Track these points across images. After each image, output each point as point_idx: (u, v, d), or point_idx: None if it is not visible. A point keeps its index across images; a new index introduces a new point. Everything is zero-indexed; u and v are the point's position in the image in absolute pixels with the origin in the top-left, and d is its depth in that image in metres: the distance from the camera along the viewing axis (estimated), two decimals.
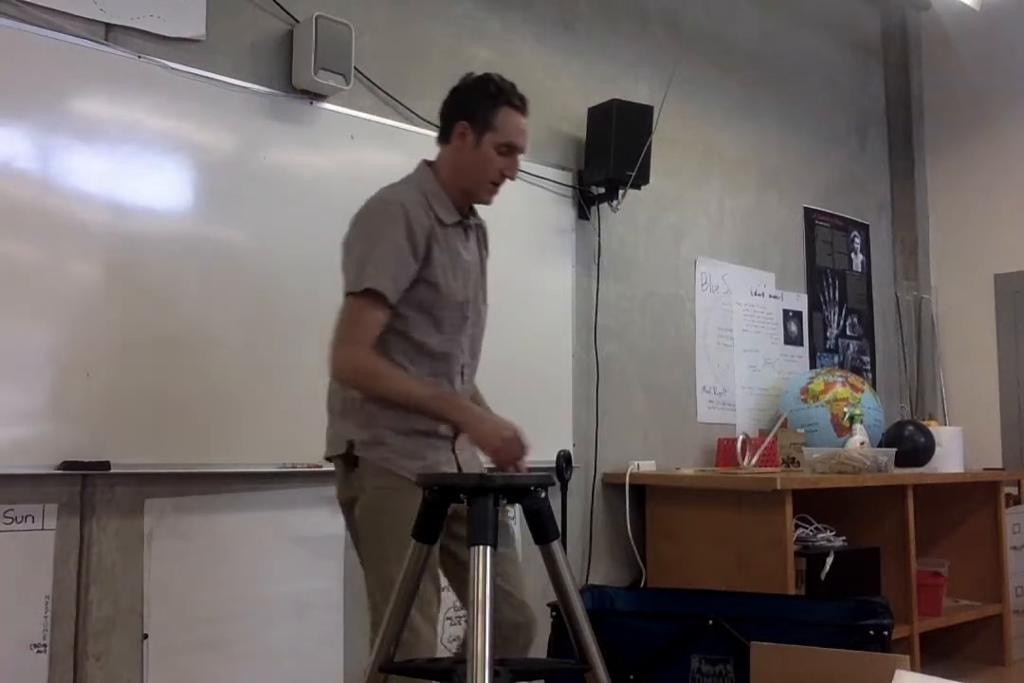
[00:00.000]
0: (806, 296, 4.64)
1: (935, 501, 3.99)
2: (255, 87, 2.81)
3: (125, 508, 2.52)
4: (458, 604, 3.08)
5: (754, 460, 3.81)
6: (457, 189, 2.12)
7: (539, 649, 2.29)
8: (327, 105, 2.95)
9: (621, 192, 3.63)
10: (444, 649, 2.99)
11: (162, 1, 2.64)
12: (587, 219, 3.69)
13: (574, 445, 3.50)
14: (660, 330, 3.94)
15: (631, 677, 2.75)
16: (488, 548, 1.58)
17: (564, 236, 3.60)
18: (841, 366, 4.72)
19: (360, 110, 3.04)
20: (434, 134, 3.18)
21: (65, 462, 2.37)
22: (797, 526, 3.43)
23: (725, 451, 3.93)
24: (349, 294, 2.00)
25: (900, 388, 5.12)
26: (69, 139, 2.45)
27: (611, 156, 3.51)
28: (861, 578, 3.42)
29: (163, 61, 2.62)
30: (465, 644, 1.56)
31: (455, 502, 1.70)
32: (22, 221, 2.37)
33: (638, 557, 3.60)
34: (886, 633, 2.63)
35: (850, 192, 4.98)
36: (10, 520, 2.32)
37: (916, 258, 5.16)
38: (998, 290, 4.92)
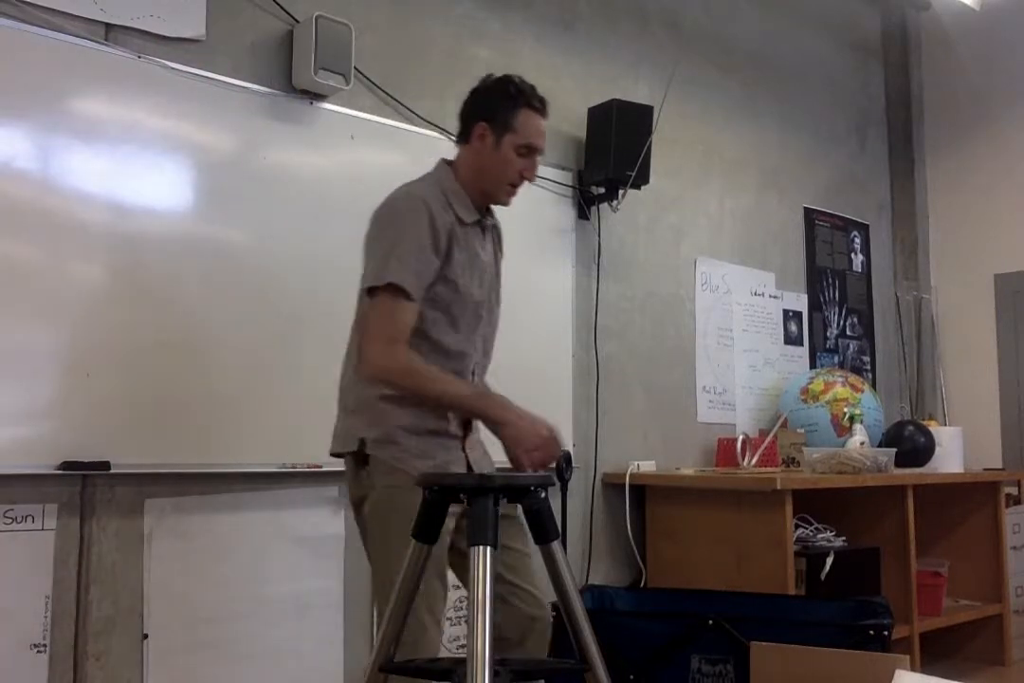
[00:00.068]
0: (806, 296, 4.64)
1: (935, 501, 3.99)
2: (255, 87, 2.81)
3: (125, 508, 2.52)
4: (458, 604, 3.08)
5: (754, 460, 3.81)
6: (475, 189, 2.12)
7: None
8: (327, 105, 2.95)
9: (621, 192, 3.63)
10: (444, 649, 2.99)
11: (162, 1, 2.64)
12: (587, 219, 3.69)
13: (574, 445, 3.50)
14: (660, 330, 3.94)
15: (631, 677, 2.75)
16: (488, 548, 1.58)
17: (564, 236, 3.60)
18: (841, 366, 4.72)
19: (360, 110, 3.04)
20: (434, 134, 3.23)
21: (65, 462, 2.37)
22: (797, 526, 3.43)
23: (725, 451, 3.93)
24: (371, 289, 1.98)
25: (900, 388, 5.12)
26: (69, 139, 2.45)
27: (611, 156, 3.51)
28: (861, 578, 3.42)
29: (163, 61, 2.62)
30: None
31: (455, 502, 1.70)
32: (22, 221, 2.37)
33: (638, 557, 3.60)
34: (886, 633, 2.63)
35: (850, 192, 4.98)
36: (10, 520, 2.32)
37: (916, 258, 5.16)
38: (998, 290, 4.92)
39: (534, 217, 3.44)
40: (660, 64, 4.00)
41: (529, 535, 1.84)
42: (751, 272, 4.35)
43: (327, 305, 2.88)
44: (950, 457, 4.08)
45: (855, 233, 4.96)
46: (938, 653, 3.93)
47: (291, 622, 2.76)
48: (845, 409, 3.91)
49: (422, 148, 3.17)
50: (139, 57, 2.58)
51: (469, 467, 2.06)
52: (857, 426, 3.79)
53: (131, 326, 2.51)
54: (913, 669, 2.48)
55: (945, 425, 4.75)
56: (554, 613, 2.63)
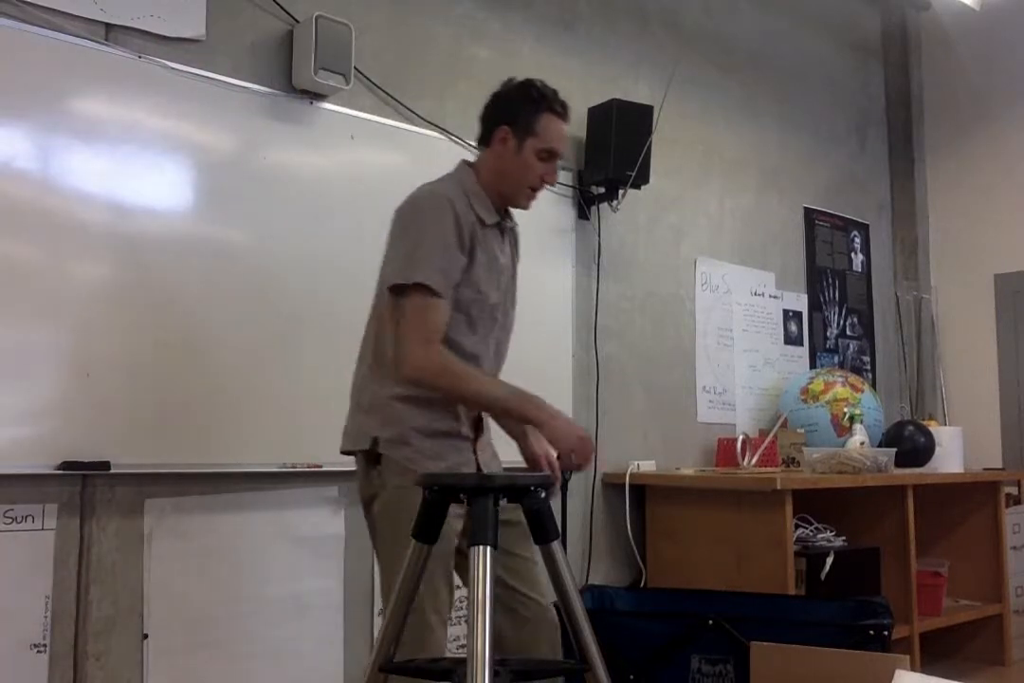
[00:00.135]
0: (806, 296, 4.64)
1: (935, 501, 3.99)
2: (255, 87, 2.81)
3: (125, 508, 2.52)
4: (458, 604, 3.08)
5: (754, 460, 3.81)
6: (495, 192, 2.13)
7: None
8: (327, 105, 2.95)
9: (621, 192, 3.63)
10: (447, 651, 2.99)
11: (162, 1, 2.64)
12: (587, 219, 3.69)
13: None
14: (660, 330, 3.94)
15: (631, 677, 2.75)
16: (488, 548, 1.58)
17: (564, 236, 3.60)
18: (841, 366, 4.72)
19: (360, 110, 3.04)
20: (434, 134, 3.23)
21: (65, 462, 2.37)
22: (797, 526, 3.43)
23: (725, 451, 3.93)
24: (398, 287, 1.98)
25: (900, 388, 5.12)
26: (69, 139, 2.45)
27: (611, 156, 3.51)
28: (861, 578, 3.42)
29: (163, 61, 2.62)
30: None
31: (455, 502, 1.70)
32: (22, 221, 2.37)
33: (638, 557, 3.60)
34: (886, 633, 2.63)
35: (850, 192, 4.98)
36: (10, 520, 2.33)
37: (916, 258, 5.16)
38: (998, 290, 4.92)
39: (534, 217, 3.40)
40: (660, 64, 4.00)
41: (530, 534, 1.84)
42: (751, 272, 4.35)
43: (327, 305, 2.88)
44: (950, 457, 4.08)
45: (855, 233, 4.96)
46: (938, 653, 3.93)
47: (291, 622, 2.76)
48: (845, 409, 3.91)
49: (422, 148, 3.18)
50: (139, 57, 2.58)
51: (479, 469, 2.07)
52: (857, 426, 3.79)
53: (131, 326, 2.51)
54: (913, 669, 2.48)
55: (945, 425, 4.75)
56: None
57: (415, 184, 3.10)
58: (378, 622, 2.91)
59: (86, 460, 2.40)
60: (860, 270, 4.97)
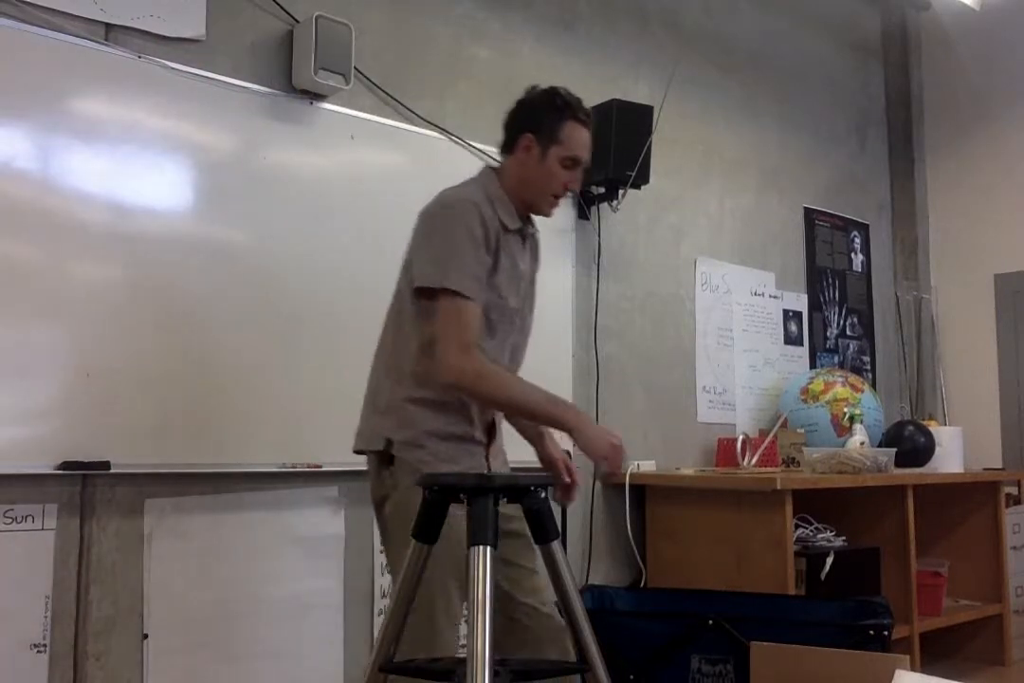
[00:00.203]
0: (806, 296, 4.64)
1: (935, 501, 3.99)
2: (255, 87, 2.81)
3: (125, 508, 2.52)
4: None
5: (754, 460, 3.81)
6: (518, 198, 2.13)
7: None
8: (327, 105, 2.95)
9: (621, 192, 3.63)
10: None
11: (162, 1, 2.64)
12: (587, 219, 3.69)
13: (574, 445, 3.49)
14: (660, 330, 3.94)
15: (631, 677, 2.75)
16: (488, 548, 1.58)
17: (564, 236, 3.60)
18: (841, 366, 4.72)
19: (360, 110, 3.04)
20: (434, 134, 3.23)
21: (65, 462, 2.37)
22: (797, 526, 3.43)
23: (725, 451, 3.93)
24: (425, 291, 1.98)
25: (900, 388, 5.12)
26: (69, 139, 2.45)
27: (611, 156, 3.51)
28: (861, 578, 3.42)
29: (163, 61, 2.62)
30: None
31: (455, 502, 1.70)
32: (22, 221, 2.37)
33: (638, 557, 3.60)
34: (886, 633, 2.63)
35: (850, 192, 4.98)
36: (10, 520, 2.33)
37: (916, 258, 5.16)
38: (998, 290, 4.92)
39: (534, 217, 3.43)
40: (660, 64, 4.00)
41: (537, 552, 1.85)
42: (751, 272, 4.35)
43: (327, 305, 2.88)
44: (950, 457, 4.08)
45: (855, 233, 4.96)
46: (938, 653, 3.93)
47: (291, 622, 2.76)
48: (845, 409, 3.91)
49: (422, 148, 3.18)
50: (139, 57, 2.58)
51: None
52: (857, 426, 3.79)
53: (131, 326, 2.51)
54: (913, 669, 2.48)
55: (945, 425, 4.75)
56: None
57: (415, 184, 3.12)
58: (379, 622, 2.91)
59: (86, 460, 2.40)
60: (860, 270, 4.97)
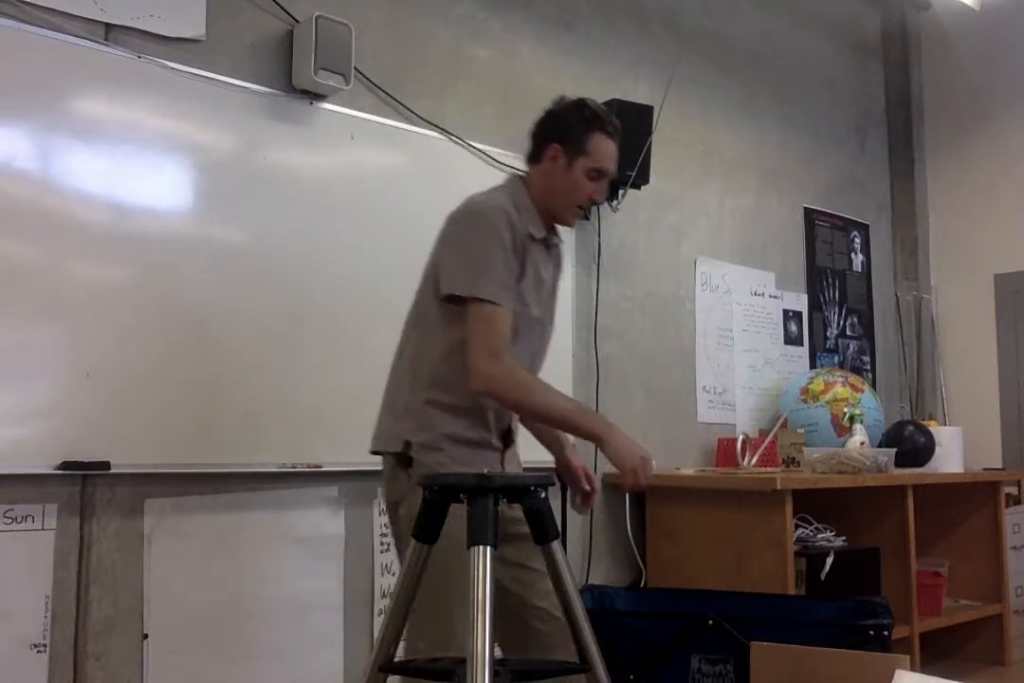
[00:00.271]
0: (806, 296, 4.64)
1: (935, 501, 3.99)
2: (255, 87, 2.81)
3: (125, 508, 2.52)
4: None
5: (754, 460, 3.81)
6: (543, 208, 2.14)
7: None
8: (327, 105, 2.95)
9: (621, 192, 3.63)
10: None
11: (162, 1, 2.64)
12: (587, 219, 3.67)
13: (574, 445, 3.50)
14: (660, 330, 3.94)
15: (631, 677, 2.75)
16: (488, 548, 1.58)
17: (564, 236, 3.59)
18: (841, 366, 4.72)
19: (360, 110, 3.04)
20: (434, 134, 3.23)
21: (65, 462, 2.37)
22: (797, 526, 3.43)
23: (725, 451, 3.93)
24: (452, 296, 1.98)
25: (900, 388, 5.12)
26: (69, 139, 2.45)
27: None
28: (861, 578, 3.42)
29: (163, 61, 2.62)
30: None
31: (455, 502, 1.70)
32: (22, 221, 2.37)
33: (638, 557, 3.60)
34: (886, 633, 2.63)
35: (850, 192, 4.98)
36: (10, 520, 2.32)
37: (916, 258, 5.16)
38: (998, 290, 4.92)
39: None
40: (660, 64, 4.00)
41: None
42: (751, 272, 4.35)
43: (327, 305, 2.89)
44: (950, 457, 4.08)
45: (855, 233, 4.96)
46: (938, 653, 3.93)
47: (291, 622, 2.76)
48: (845, 409, 3.91)
49: (422, 148, 3.18)
50: (139, 57, 2.58)
51: None
52: (857, 426, 3.79)
53: (131, 326, 2.51)
54: (913, 669, 2.48)
55: (945, 425, 4.75)
56: None
57: (415, 184, 3.13)
58: (379, 622, 2.91)
59: (86, 460, 2.40)
60: (860, 270, 4.97)
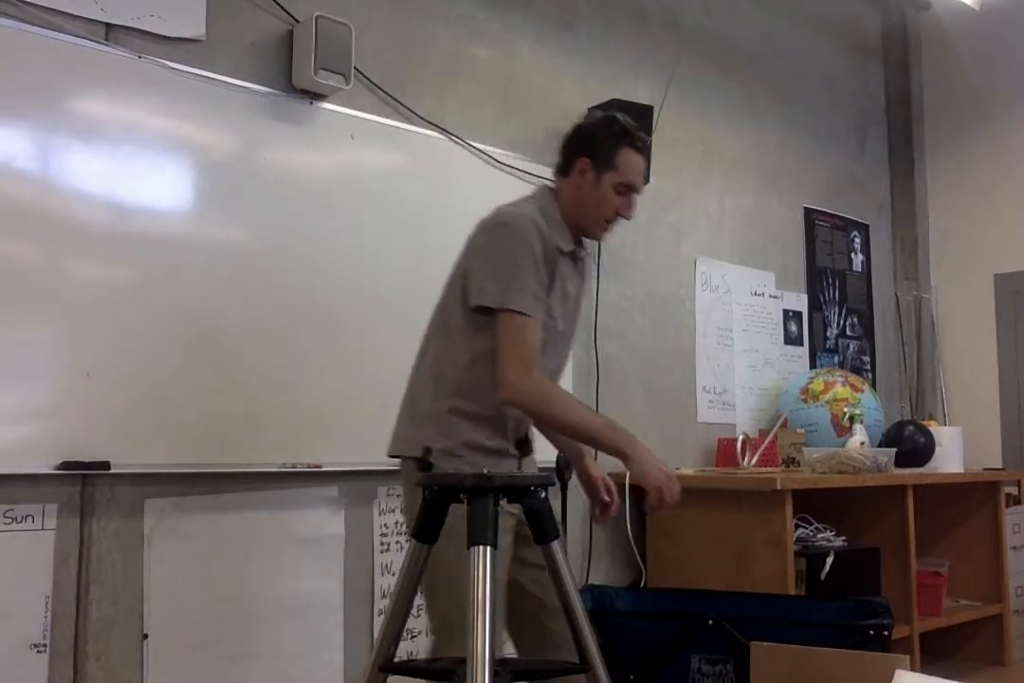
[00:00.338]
0: (806, 296, 4.64)
1: (935, 501, 3.99)
2: (255, 87, 2.81)
3: (125, 508, 2.51)
4: None
5: (754, 460, 3.81)
6: (572, 222, 2.14)
7: None
8: (327, 105, 2.95)
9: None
10: None
11: (162, 1, 2.64)
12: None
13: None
14: (660, 330, 3.94)
15: (631, 677, 2.75)
16: (488, 548, 1.58)
17: None
18: (841, 366, 4.72)
19: (360, 110, 3.04)
20: (434, 134, 3.23)
21: (65, 462, 2.37)
22: (797, 526, 3.43)
23: (725, 451, 3.93)
24: (482, 307, 1.99)
25: (900, 388, 5.12)
26: (69, 139, 2.45)
27: None
28: (861, 578, 3.42)
29: (163, 61, 2.62)
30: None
31: (455, 502, 1.70)
32: (22, 221, 2.37)
33: (638, 557, 3.60)
34: (886, 633, 2.63)
35: (850, 192, 4.98)
36: (10, 520, 2.32)
37: (916, 258, 5.16)
38: (998, 290, 4.92)
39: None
40: (660, 64, 4.01)
41: (564, 547, 1.85)
42: (751, 272, 4.35)
43: (327, 305, 2.89)
44: (950, 457, 4.08)
45: (855, 233, 4.96)
46: (938, 653, 3.93)
47: (291, 622, 2.76)
48: (845, 409, 3.91)
49: (422, 148, 3.18)
50: (139, 57, 2.58)
51: None
52: (857, 426, 3.79)
53: (131, 326, 2.51)
54: (913, 669, 2.48)
55: (945, 425, 4.75)
56: None
57: (415, 184, 3.13)
58: (379, 622, 2.91)
59: (86, 460, 2.40)
60: (860, 270, 4.97)
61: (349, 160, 3.00)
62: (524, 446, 2.13)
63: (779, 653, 2.37)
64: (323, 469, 2.81)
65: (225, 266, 2.70)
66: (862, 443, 3.70)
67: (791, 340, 4.51)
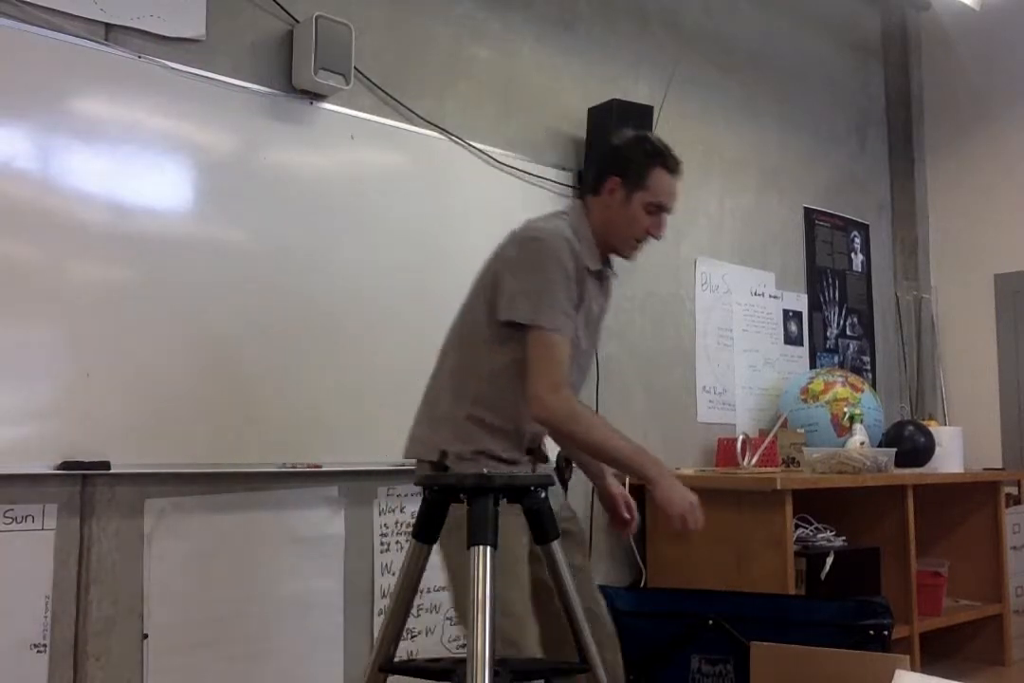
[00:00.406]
0: (806, 296, 4.64)
1: (935, 501, 3.99)
2: (255, 87, 2.81)
3: (125, 508, 2.51)
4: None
5: (754, 460, 3.81)
6: (602, 240, 2.15)
7: None
8: (327, 105, 2.95)
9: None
10: (444, 649, 2.99)
11: (162, 1, 2.64)
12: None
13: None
14: (660, 330, 3.94)
15: (631, 677, 2.75)
16: (488, 548, 1.58)
17: None
18: (841, 366, 4.72)
19: (360, 110, 3.04)
20: (434, 134, 3.23)
21: (65, 462, 2.37)
22: (797, 526, 3.43)
23: (725, 451, 3.93)
24: (511, 322, 1.99)
25: (900, 388, 5.12)
26: (69, 139, 2.45)
27: None
28: (861, 578, 3.42)
29: (163, 61, 2.62)
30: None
31: (455, 502, 1.71)
32: (22, 221, 2.37)
33: (638, 557, 3.60)
34: (886, 633, 2.64)
35: (850, 192, 4.98)
36: (10, 520, 2.32)
37: (916, 258, 5.16)
38: (998, 290, 4.92)
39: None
40: (660, 64, 4.00)
41: (585, 544, 1.85)
42: (751, 272, 4.35)
43: (327, 305, 2.88)
44: (950, 457, 4.08)
45: (855, 233, 4.96)
46: (938, 653, 3.93)
47: (291, 622, 2.76)
48: (845, 409, 3.91)
49: (422, 148, 3.18)
50: (139, 57, 2.58)
51: None
52: (857, 426, 3.79)
53: (131, 326, 2.51)
54: (913, 669, 2.49)
55: (945, 425, 4.74)
56: None
57: (415, 184, 3.13)
58: (379, 622, 2.91)
59: (86, 460, 2.40)
60: (860, 270, 4.97)
61: (349, 160, 3.00)
62: (538, 453, 2.14)
63: (779, 653, 2.38)
64: (323, 469, 2.81)
65: (225, 266, 2.70)
66: (862, 443, 3.70)
67: (791, 340, 4.51)
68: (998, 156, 4.96)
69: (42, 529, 2.37)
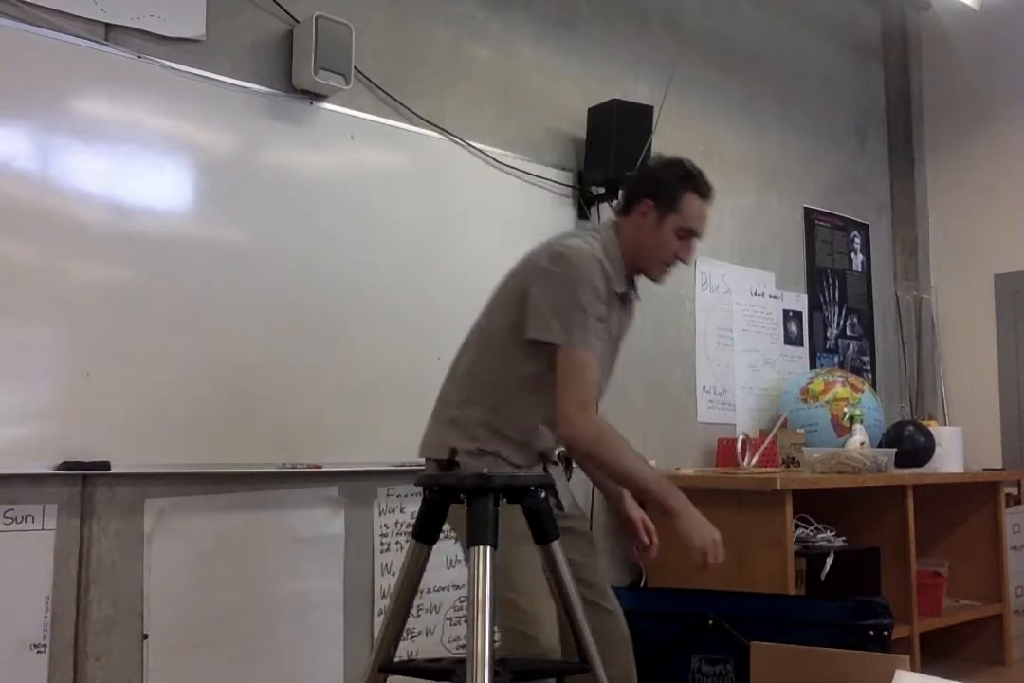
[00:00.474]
0: (806, 296, 4.64)
1: (935, 501, 3.99)
2: (255, 87, 2.81)
3: (125, 508, 2.51)
4: (458, 604, 3.08)
5: (754, 460, 3.81)
6: (631, 261, 2.16)
7: None
8: (327, 105, 2.95)
9: (621, 192, 3.63)
10: (444, 649, 2.99)
11: (162, 1, 2.64)
12: (587, 219, 3.69)
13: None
14: (660, 330, 3.94)
15: None
16: (488, 548, 1.58)
17: None
18: (841, 366, 4.72)
19: (360, 110, 3.04)
20: (434, 134, 3.23)
21: (65, 462, 2.37)
22: (797, 526, 3.43)
23: (725, 451, 3.93)
24: (537, 341, 2.00)
25: (900, 388, 5.12)
26: (69, 139, 2.45)
27: (611, 156, 3.51)
28: (861, 578, 3.42)
29: (163, 61, 2.62)
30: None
31: (455, 502, 1.71)
32: (22, 221, 2.37)
33: None
34: (886, 633, 2.64)
35: (850, 192, 4.98)
36: (10, 520, 2.32)
37: (916, 258, 5.16)
38: (998, 290, 4.92)
39: (534, 217, 3.44)
40: (660, 64, 4.00)
41: (595, 543, 1.85)
42: (751, 272, 4.35)
43: (326, 305, 2.88)
44: (950, 457, 4.08)
45: (855, 233, 4.96)
46: (938, 653, 3.93)
47: (291, 622, 2.76)
48: (845, 409, 3.91)
49: (422, 148, 3.18)
50: (139, 57, 2.58)
51: None
52: (857, 426, 3.79)
53: (131, 326, 2.51)
54: (913, 669, 2.49)
55: (945, 425, 4.74)
56: None
57: (415, 184, 3.13)
58: (379, 622, 2.91)
59: (86, 460, 2.39)
60: (860, 270, 4.97)
61: (349, 160, 3.00)
62: (547, 457, 2.14)
63: (779, 653, 2.37)
64: (323, 469, 2.81)
65: (225, 266, 2.70)
66: (862, 443, 3.70)
67: (791, 340, 4.51)
68: (998, 156, 4.96)
69: (42, 529, 2.37)
